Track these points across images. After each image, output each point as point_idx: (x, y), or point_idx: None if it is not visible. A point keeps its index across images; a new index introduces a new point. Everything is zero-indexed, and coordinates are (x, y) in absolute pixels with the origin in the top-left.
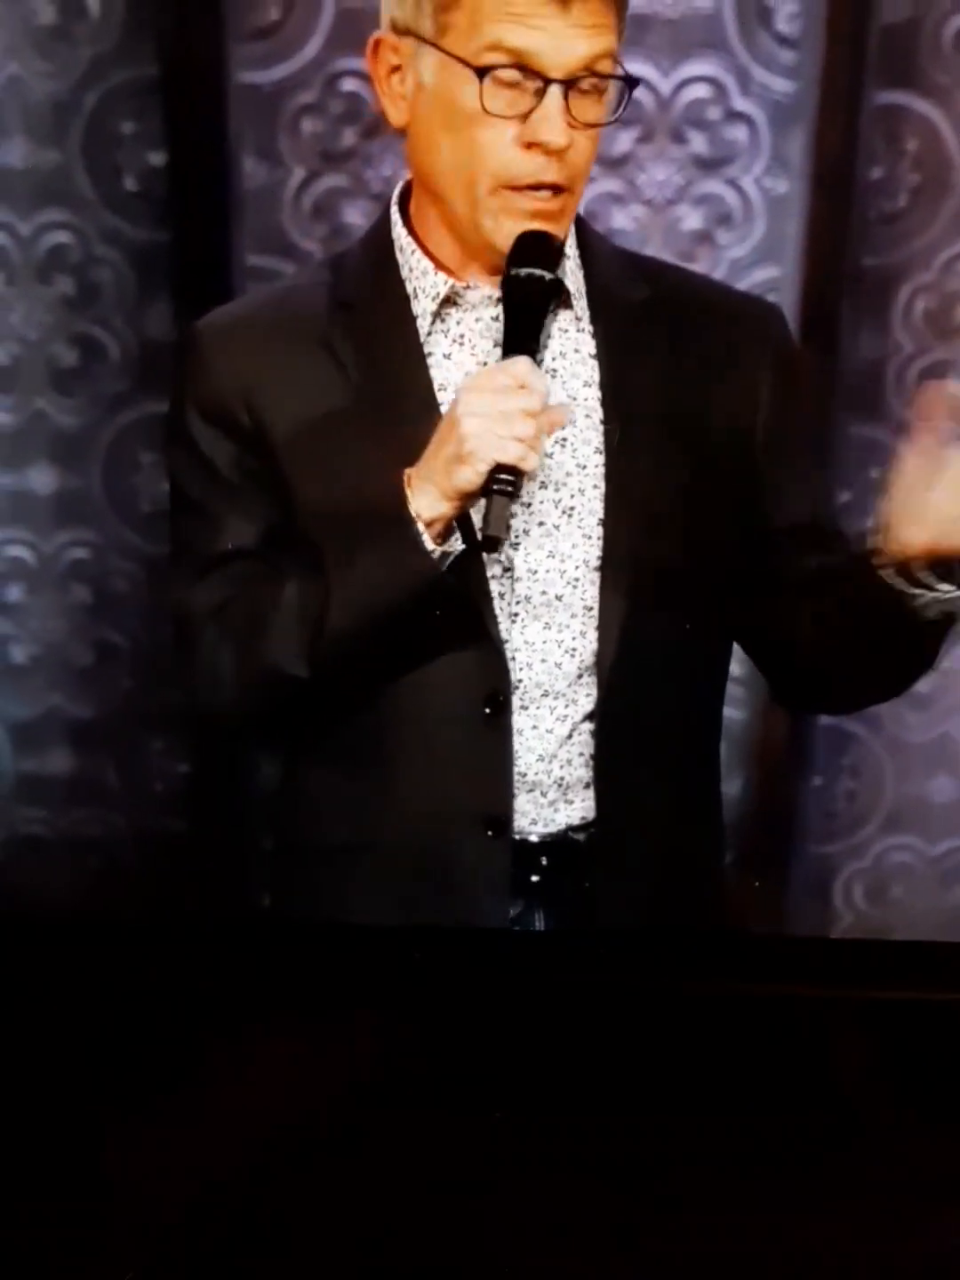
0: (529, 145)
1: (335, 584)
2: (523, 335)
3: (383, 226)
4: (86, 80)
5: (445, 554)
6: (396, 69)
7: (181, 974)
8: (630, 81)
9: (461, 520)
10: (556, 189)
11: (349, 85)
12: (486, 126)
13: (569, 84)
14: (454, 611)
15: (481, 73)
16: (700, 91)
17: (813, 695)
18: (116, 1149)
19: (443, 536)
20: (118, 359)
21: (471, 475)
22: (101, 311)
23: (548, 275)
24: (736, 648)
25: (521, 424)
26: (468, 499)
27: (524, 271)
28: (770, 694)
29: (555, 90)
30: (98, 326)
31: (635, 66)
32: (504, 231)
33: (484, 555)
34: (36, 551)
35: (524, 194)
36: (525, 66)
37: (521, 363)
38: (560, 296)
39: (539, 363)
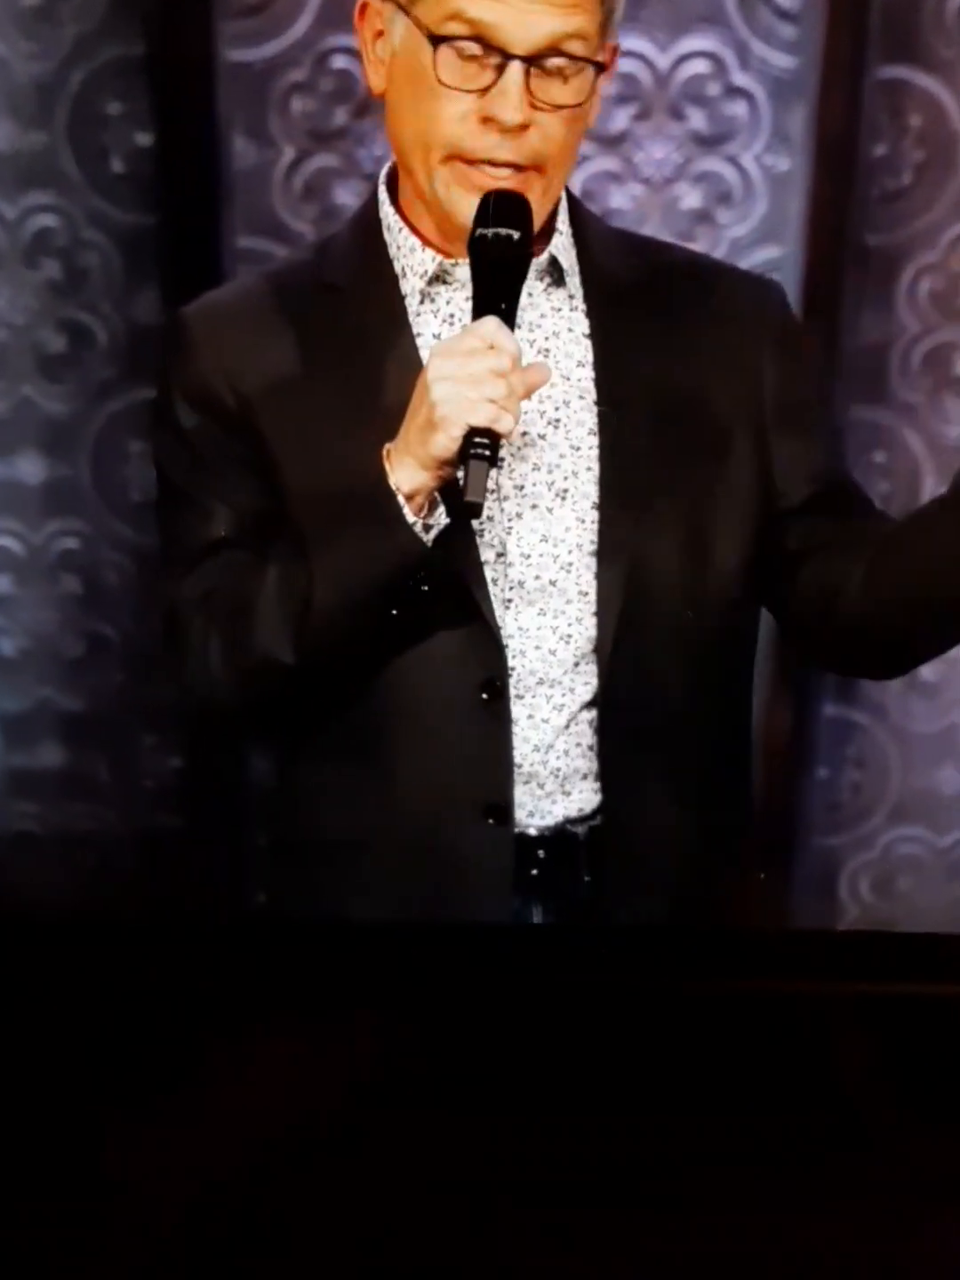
0: (485, 120)
1: (318, 565)
2: (491, 295)
3: (370, 207)
4: (72, 60)
5: (428, 527)
6: (381, 34)
7: (181, 974)
8: (598, 67)
9: (448, 494)
10: (517, 167)
11: (340, 63)
12: (445, 98)
13: (532, 61)
14: (446, 594)
15: (437, 42)
16: (699, 67)
17: (875, 657)
18: (116, 1149)
19: (426, 510)
20: (106, 345)
21: (446, 441)
22: (89, 296)
23: (516, 234)
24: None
25: (492, 385)
26: (446, 467)
27: (491, 232)
28: (812, 661)
29: (515, 67)
30: (85, 312)
31: (632, 41)
32: (459, 202)
33: (477, 539)
34: (25, 542)
35: (477, 168)
36: (485, 40)
37: (489, 323)
38: (530, 256)
39: (511, 324)
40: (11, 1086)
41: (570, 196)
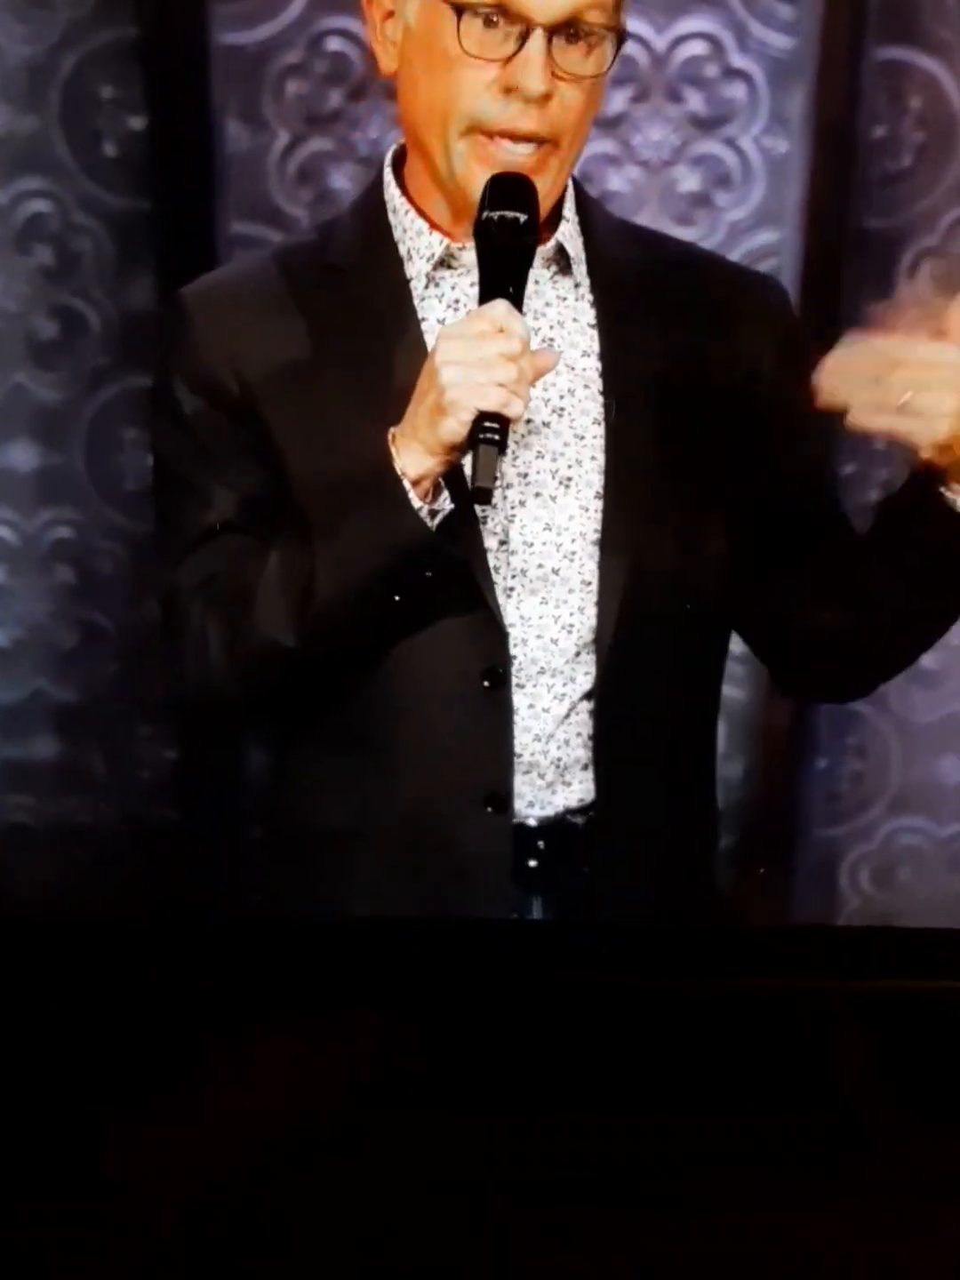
0: (507, 91)
1: (322, 550)
2: (499, 279)
3: (375, 189)
4: (64, 43)
5: (434, 513)
6: (390, 15)
7: (180, 973)
8: (621, 35)
9: (453, 480)
10: (537, 142)
11: (334, 45)
12: (466, 68)
13: (554, 31)
14: (449, 582)
15: (460, 10)
16: (697, 48)
17: (832, 673)
18: (116, 1149)
19: (431, 495)
20: (99, 331)
21: (455, 426)
22: (82, 282)
23: (522, 218)
24: None
25: (502, 369)
26: (453, 453)
27: (497, 214)
28: (778, 684)
29: (538, 35)
30: (78, 298)
31: (629, 23)
32: (474, 179)
33: (480, 527)
34: (18, 531)
35: (497, 142)
36: (508, 8)
37: (498, 306)
38: (537, 239)
39: (519, 307)
40: (11, 1086)
41: (576, 185)
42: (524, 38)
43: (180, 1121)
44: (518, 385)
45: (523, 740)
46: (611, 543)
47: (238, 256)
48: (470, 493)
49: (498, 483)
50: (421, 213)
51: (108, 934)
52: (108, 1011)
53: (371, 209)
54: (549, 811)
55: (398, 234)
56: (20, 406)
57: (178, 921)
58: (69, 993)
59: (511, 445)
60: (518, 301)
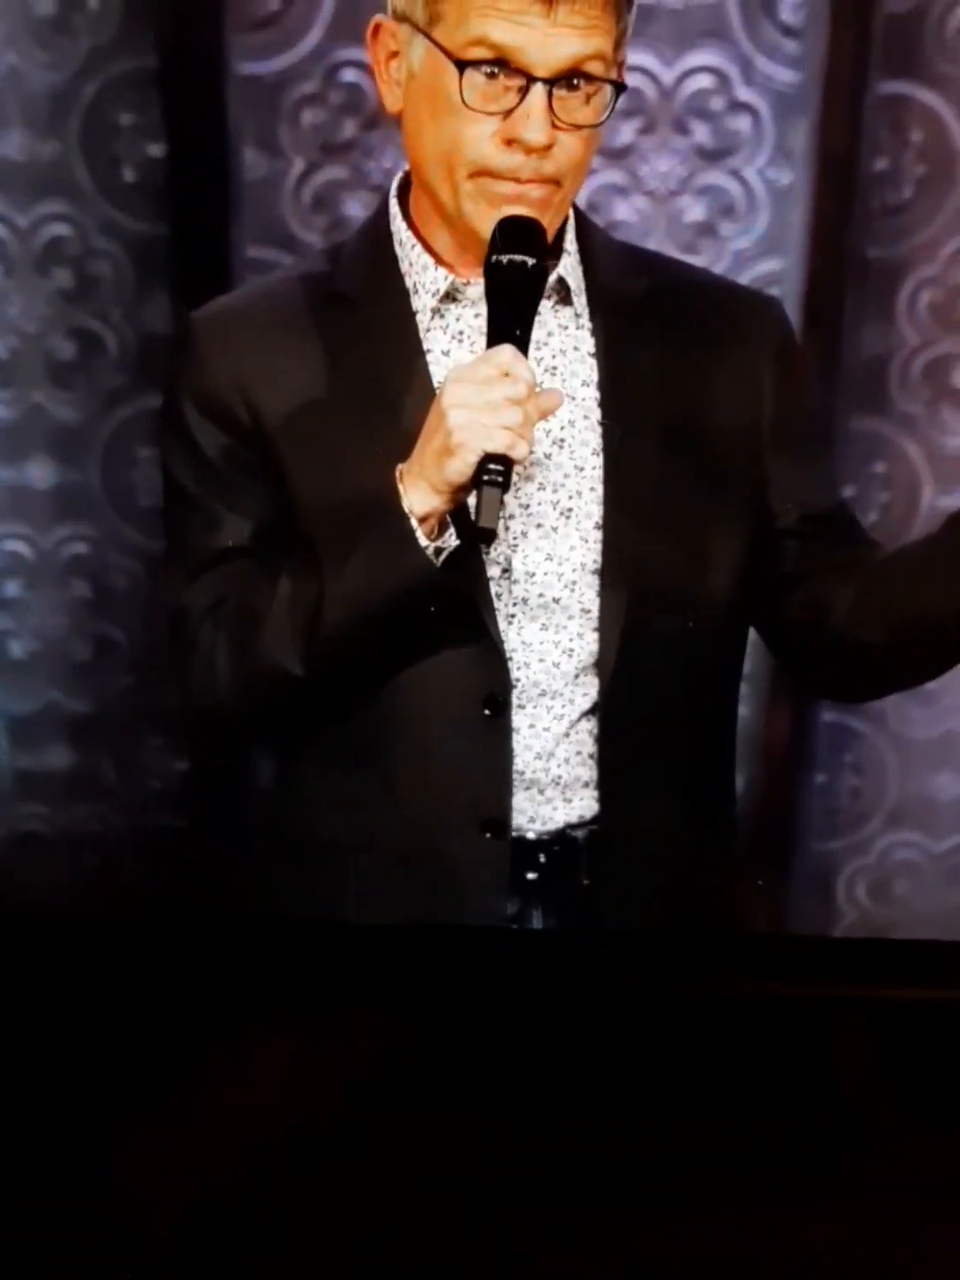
0: (509, 142)
1: (330, 581)
2: (507, 323)
3: (381, 218)
4: (85, 71)
5: (439, 550)
6: (395, 55)
7: (180, 974)
8: (618, 86)
9: (458, 517)
10: (540, 184)
11: (350, 76)
12: (469, 119)
13: (554, 83)
14: (451, 611)
15: (462, 66)
16: (703, 81)
17: (854, 682)
18: (116, 1149)
19: (436, 532)
20: (116, 352)
21: (460, 467)
22: (100, 304)
23: (530, 261)
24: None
25: (508, 412)
26: (459, 492)
27: (506, 258)
28: (799, 685)
29: (539, 89)
30: (96, 320)
31: (638, 56)
32: (485, 218)
33: (483, 555)
34: (35, 546)
35: (502, 183)
36: (509, 63)
37: (505, 351)
38: (545, 281)
39: (525, 350)
40: (11, 1086)
41: (578, 214)
42: (524, 91)
43: (179, 1121)
44: (522, 428)
45: (524, 758)
46: (611, 572)
47: (251, 280)
48: (474, 533)
49: (501, 516)
50: (427, 247)
51: (107, 935)
52: (108, 1012)
53: (377, 238)
54: (549, 827)
55: (404, 266)
56: (39, 425)
57: (177, 922)
58: (70, 993)
59: (514, 476)
60: (524, 344)
